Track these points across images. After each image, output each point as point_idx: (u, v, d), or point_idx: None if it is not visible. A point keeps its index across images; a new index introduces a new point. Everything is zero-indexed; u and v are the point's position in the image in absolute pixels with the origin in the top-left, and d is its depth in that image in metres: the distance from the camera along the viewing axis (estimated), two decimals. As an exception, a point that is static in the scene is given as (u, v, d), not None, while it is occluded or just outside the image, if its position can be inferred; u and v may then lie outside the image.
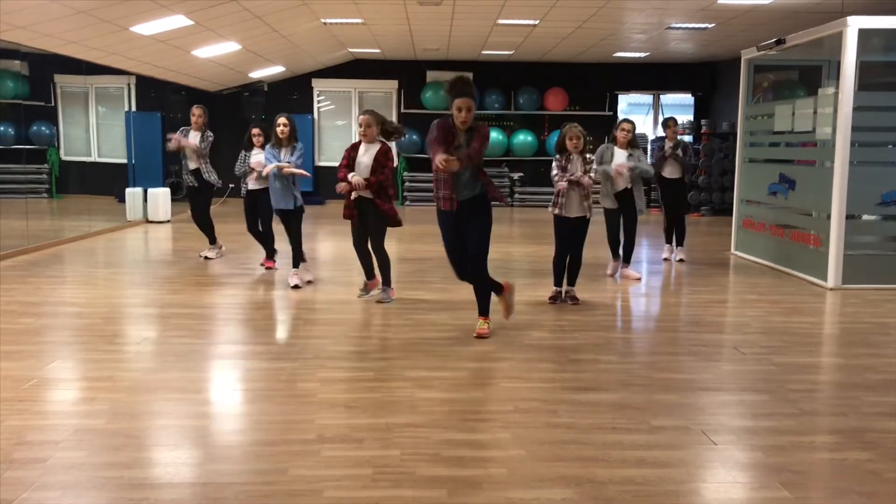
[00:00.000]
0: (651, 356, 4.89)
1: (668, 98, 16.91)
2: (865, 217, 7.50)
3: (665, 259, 8.62)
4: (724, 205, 13.58)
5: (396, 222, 6.11)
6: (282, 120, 6.80)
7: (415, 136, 15.19)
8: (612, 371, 4.46)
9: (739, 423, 3.68)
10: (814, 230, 7.55)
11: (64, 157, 14.94)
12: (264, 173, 6.86)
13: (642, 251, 9.34)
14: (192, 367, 4.49)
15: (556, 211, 6.18)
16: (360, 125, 6.07)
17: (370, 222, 6.08)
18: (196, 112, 8.17)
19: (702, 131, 14.65)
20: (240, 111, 15.10)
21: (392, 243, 9.89)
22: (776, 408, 3.86)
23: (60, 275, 7.42)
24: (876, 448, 3.36)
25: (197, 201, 8.40)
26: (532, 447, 3.31)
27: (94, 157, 15.10)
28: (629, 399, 3.96)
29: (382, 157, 5.99)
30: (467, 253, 5.02)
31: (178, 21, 9.22)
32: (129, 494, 2.84)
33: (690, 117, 16.07)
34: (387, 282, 6.25)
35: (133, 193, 11.99)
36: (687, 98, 16.55)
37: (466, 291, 6.64)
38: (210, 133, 8.26)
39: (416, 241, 10.10)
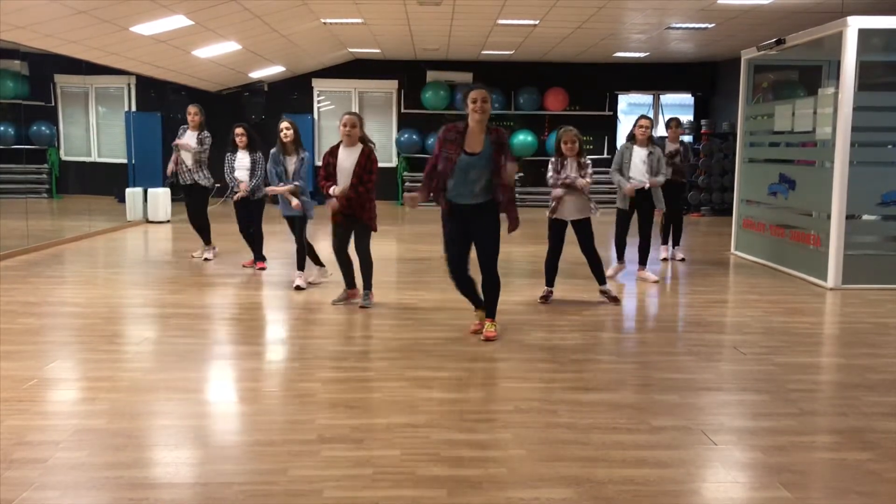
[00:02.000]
0: (651, 356, 4.89)
1: (667, 98, 16.90)
2: (865, 217, 7.50)
3: (663, 259, 8.64)
4: (724, 205, 13.59)
5: (374, 228, 5.97)
6: (284, 125, 6.64)
7: (415, 136, 15.20)
8: (613, 371, 4.46)
9: (739, 423, 3.68)
10: (814, 230, 7.55)
11: (64, 157, 14.93)
12: (269, 194, 6.96)
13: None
14: (192, 367, 4.49)
15: (550, 214, 6.27)
16: (345, 125, 5.75)
17: (356, 228, 5.94)
18: (192, 111, 8.20)
19: (702, 131, 14.66)
20: (240, 111, 15.10)
21: (392, 243, 9.93)
22: (776, 408, 3.86)
23: (60, 275, 7.42)
24: (876, 448, 3.36)
25: (193, 201, 8.39)
26: (532, 447, 3.31)
27: (94, 158, 15.10)
28: (629, 399, 3.96)
29: (367, 161, 5.76)
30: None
31: (178, 21, 9.22)
32: (129, 494, 2.84)
33: (690, 117, 16.07)
34: (368, 286, 6.08)
35: (133, 193, 12.00)
36: (687, 98, 16.54)
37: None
38: (207, 133, 8.25)
39: (416, 241, 10.12)
